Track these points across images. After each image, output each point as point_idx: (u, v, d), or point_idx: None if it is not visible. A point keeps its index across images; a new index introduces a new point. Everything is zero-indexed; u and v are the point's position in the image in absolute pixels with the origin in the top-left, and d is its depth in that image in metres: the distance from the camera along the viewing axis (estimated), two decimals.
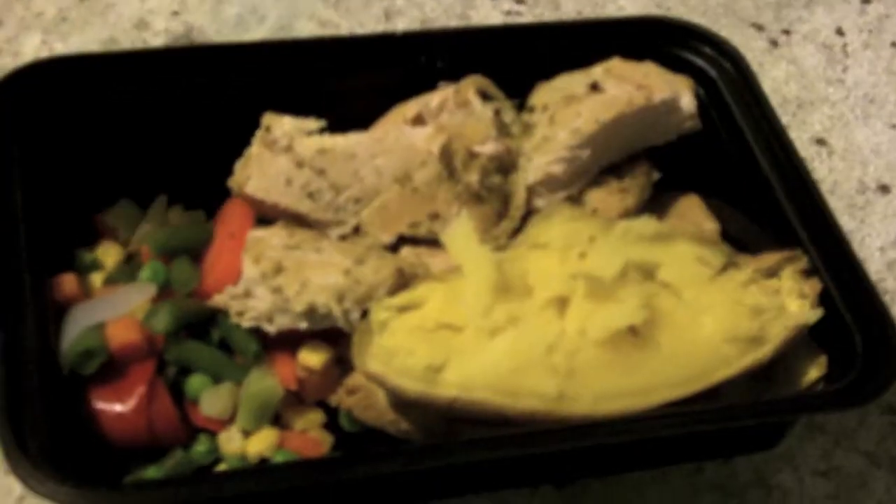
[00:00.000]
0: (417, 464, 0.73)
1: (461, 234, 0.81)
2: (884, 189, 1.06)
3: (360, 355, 0.78)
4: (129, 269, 0.87)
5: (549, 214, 0.85)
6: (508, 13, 1.15)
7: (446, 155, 0.86)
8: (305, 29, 1.10)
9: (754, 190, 0.92)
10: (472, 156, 0.87)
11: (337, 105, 0.90)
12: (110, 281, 0.86)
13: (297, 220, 0.86)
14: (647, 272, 0.81)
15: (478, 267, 0.80)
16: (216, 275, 0.85)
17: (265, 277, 0.81)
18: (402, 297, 0.80)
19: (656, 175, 0.93)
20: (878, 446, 0.89)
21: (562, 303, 0.79)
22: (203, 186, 0.89)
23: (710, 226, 0.93)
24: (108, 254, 0.88)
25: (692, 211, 0.95)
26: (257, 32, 1.09)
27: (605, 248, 0.81)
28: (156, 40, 1.08)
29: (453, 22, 1.13)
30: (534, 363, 0.77)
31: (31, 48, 1.05)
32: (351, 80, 0.93)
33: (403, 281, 0.82)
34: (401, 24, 1.12)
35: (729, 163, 0.94)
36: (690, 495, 0.85)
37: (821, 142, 1.09)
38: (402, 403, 0.79)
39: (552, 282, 0.80)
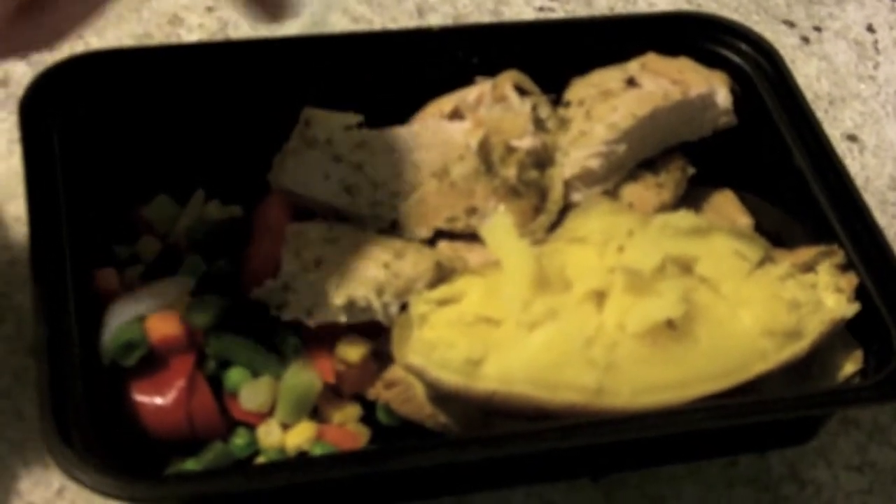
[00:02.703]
0: (456, 456, 0.74)
1: (500, 227, 0.82)
2: None
3: (400, 348, 0.78)
4: (167, 263, 0.87)
5: (587, 208, 0.86)
6: (541, 9, 1.15)
7: (484, 149, 0.86)
8: (339, 24, 1.11)
9: (789, 185, 0.92)
10: (510, 150, 0.87)
11: (374, 100, 0.91)
12: (149, 275, 0.86)
13: (336, 215, 0.87)
14: (685, 266, 0.82)
15: (516, 261, 0.80)
16: (255, 269, 0.85)
17: (305, 271, 0.81)
18: (442, 291, 0.81)
19: (691, 170, 0.93)
20: None
21: (600, 296, 0.79)
22: (241, 181, 0.90)
23: (745, 220, 0.93)
24: (147, 248, 0.88)
25: (727, 206, 0.95)
26: (291, 27, 1.09)
27: (643, 242, 0.82)
28: (190, 36, 1.08)
29: (486, 18, 1.13)
30: (573, 357, 0.77)
31: (67, 44, 1.05)
32: (388, 75, 0.93)
33: (442, 275, 0.82)
34: (433, 20, 1.12)
35: (764, 158, 0.94)
36: (724, 488, 0.86)
37: (852, 138, 1.10)
38: (441, 396, 0.79)
39: (591, 275, 0.80)
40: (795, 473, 0.87)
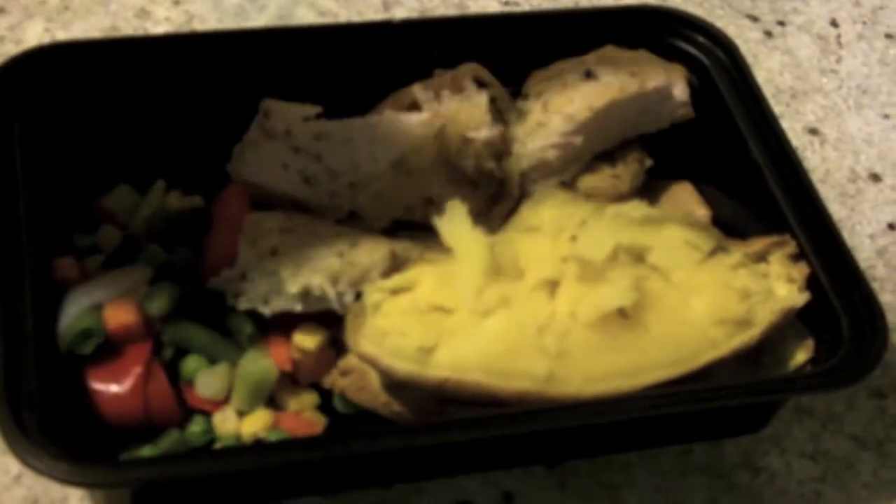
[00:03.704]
0: (409, 442, 0.75)
1: (454, 217, 0.82)
2: (875, 178, 1.08)
3: (353, 336, 0.79)
4: (127, 253, 0.88)
5: (540, 198, 0.87)
6: (506, 3, 1.16)
7: (441, 140, 0.87)
8: (305, 17, 1.11)
9: (746, 177, 0.93)
10: (467, 142, 0.88)
11: (335, 92, 0.91)
12: (109, 264, 0.87)
13: (294, 205, 0.87)
14: (637, 255, 0.83)
15: (470, 250, 0.81)
16: (213, 258, 0.86)
17: (261, 260, 0.82)
18: (395, 280, 0.81)
19: (649, 162, 0.94)
20: (864, 430, 0.91)
21: (553, 285, 0.80)
22: (201, 172, 0.91)
23: (703, 212, 0.94)
24: (107, 238, 0.89)
25: (685, 197, 0.96)
26: (258, 21, 1.10)
27: (595, 231, 0.83)
28: (157, 29, 1.09)
29: (451, 11, 1.14)
30: (525, 344, 0.78)
31: (34, 36, 1.06)
32: (349, 68, 0.94)
33: (397, 264, 0.83)
34: (399, 14, 1.13)
35: (721, 150, 0.95)
36: (678, 476, 0.87)
37: (813, 131, 1.10)
38: (395, 384, 0.80)
39: (543, 264, 0.81)
40: (749, 461, 0.88)
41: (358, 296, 0.81)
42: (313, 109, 0.89)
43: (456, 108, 0.89)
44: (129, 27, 1.09)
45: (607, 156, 0.93)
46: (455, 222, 0.82)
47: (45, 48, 0.89)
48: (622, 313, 0.79)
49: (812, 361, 0.84)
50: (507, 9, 1.15)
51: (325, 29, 0.95)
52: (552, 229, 0.83)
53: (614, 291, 0.79)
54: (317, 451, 0.74)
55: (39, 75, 0.87)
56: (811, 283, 0.84)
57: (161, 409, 0.81)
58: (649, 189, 0.95)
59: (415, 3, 1.14)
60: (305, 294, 0.81)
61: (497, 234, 0.85)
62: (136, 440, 0.81)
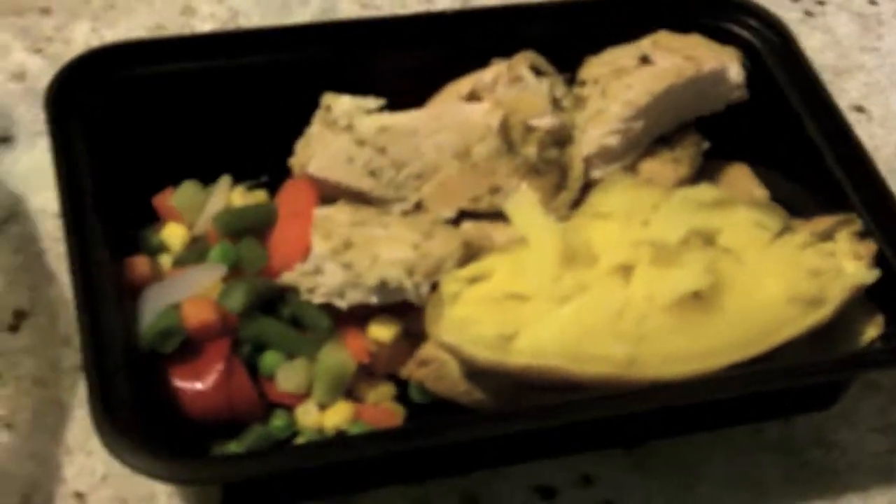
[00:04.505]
0: (498, 430, 0.76)
1: (525, 205, 0.83)
2: None
3: (434, 326, 0.80)
4: (195, 249, 0.88)
5: (608, 185, 0.87)
6: None
7: (504, 129, 0.88)
8: (349, 11, 1.12)
9: (802, 156, 0.94)
10: (530, 130, 0.89)
11: (391, 84, 0.92)
12: (178, 262, 0.88)
13: (359, 198, 0.88)
14: (708, 238, 0.84)
15: (543, 237, 0.82)
16: (282, 253, 0.86)
17: (335, 253, 0.82)
18: (471, 269, 0.82)
19: (706, 144, 0.95)
20: None
21: (627, 270, 0.81)
22: (263, 167, 0.92)
23: (760, 193, 0.95)
24: (174, 235, 0.89)
25: (741, 178, 0.97)
26: (302, 15, 1.11)
27: (667, 216, 0.83)
28: (203, 26, 1.09)
29: (492, 1, 1.14)
30: (602, 329, 0.79)
31: (82, 35, 1.07)
32: (404, 59, 0.95)
33: (470, 253, 0.84)
34: (442, 4, 1.14)
35: (776, 130, 0.96)
36: (752, 454, 0.87)
37: (859, 109, 1.11)
38: (475, 373, 0.81)
39: (617, 249, 0.82)
40: (820, 438, 0.89)
41: (433, 287, 0.82)
42: (375, 102, 0.89)
43: (516, 97, 0.90)
44: (174, 25, 1.09)
45: (665, 140, 0.94)
46: (526, 210, 0.83)
47: (101, 50, 0.89)
48: (697, 296, 0.80)
49: (882, 338, 0.85)
50: None
51: (381, 21, 0.96)
52: (623, 215, 0.84)
53: (689, 275, 0.80)
54: (409, 440, 0.75)
55: (98, 77, 0.88)
56: (878, 260, 0.85)
57: (243, 404, 0.82)
58: (706, 171, 0.95)
59: None
60: (382, 286, 0.81)
61: (566, 220, 0.86)
62: (219, 437, 0.82)
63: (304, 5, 1.12)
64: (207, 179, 0.92)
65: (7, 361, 0.86)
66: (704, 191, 0.86)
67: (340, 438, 0.80)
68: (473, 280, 0.82)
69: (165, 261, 0.89)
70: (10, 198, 0.95)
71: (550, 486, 0.85)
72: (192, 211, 0.91)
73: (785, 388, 0.82)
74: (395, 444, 0.75)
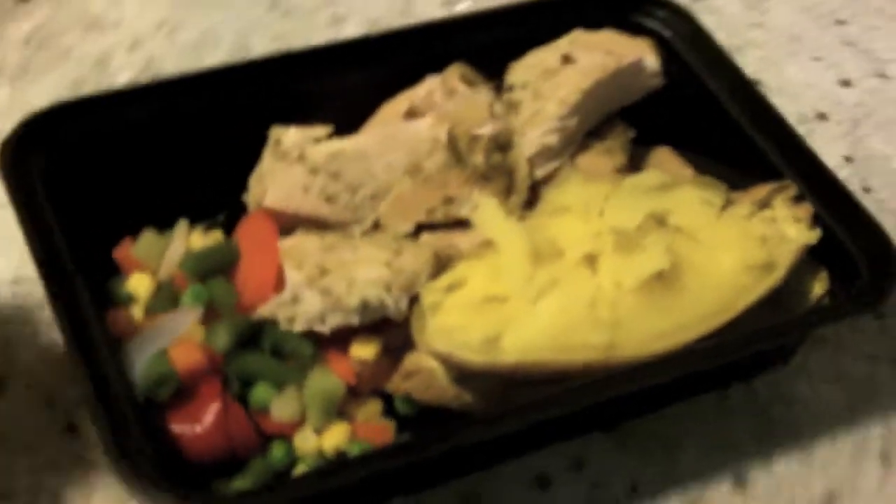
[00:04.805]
0: (500, 429, 0.79)
1: (488, 210, 0.87)
2: (822, 117, 1.15)
3: (421, 337, 0.83)
4: (164, 296, 0.89)
5: (561, 181, 0.91)
6: (445, 3, 1.20)
7: (452, 141, 0.91)
8: (261, 47, 1.14)
9: (722, 132, 0.99)
10: (474, 139, 0.92)
11: (325, 111, 0.95)
12: (150, 310, 0.89)
13: (317, 225, 0.90)
14: (660, 220, 0.88)
15: (511, 238, 0.85)
16: (251, 288, 0.88)
17: (311, 281, 0.84)
18: (447, 279, 0.85)
19: (632, 132, 1.00)
20: (875, 348, 0.98)
21: (592, 260, 0.85)
22: (217, 206, 0.94)
23: (686, 173, 0.99)
24: (140, 285, 0.90)
25: (667, 161, 1.01)
26: (216, 55, 1.13)
27: (620, 204, 0.88)
28: (121, 75, 1.10)
29: (398, 20, 1.18)
30: (581, 319, 0.82)
31: (3, 98, 1.07)
32: (337, 85, 0.97)
33: (441, 264, 0.87)
34: (349, 29, 1.17)
35: (694, 112, 1.01)
36: (723, 419, 0.92)
37: (756, 83, 1.17)
38: (463, 377, 0.84)
39: (580, 242, 0.86)
40: (781, 395, 0.94)
41: (411, 301, 0.85)
42: (323, 130, 0.92)
43: (457, 109, 0.93)
44: (92, 78, 1.10)
45: (595, 133, 0.98)
46: (490, 215, 0.87)
47: (43, 112, 0.90)
48: (660, 276, 0.84)
49: (828, 293, 0.90)
50: (448, 10, 1.19)
51: (312, 52, 0.98)
52: (580, 208, 0.88)
53: (651, 257, 0.84)
54: (423, 450, 0.77)
55: (45, 138, 0.89)
56: (815, 220, 0.90)
57: (242, 439, 0.83)
58: (633, 158, 1.00)
59: (360, 17, 1.18)
60: (364, 307, 0.84)
61: (525, 220, 0.89)
62: (216, 476, 0.83)
63: (216, 47, 1.14)
64: (162, 225, 0.93)
65: None
66: (650, 176, 0.90)
67: (360, 458, 0.82)
68: (450, 288, 0.85)
69: (136, 311, 0.90)
70: None
71: (546, 474, 0.88)
72: (154, 259, 0.92)
73: (754, 352, 0.87)
74: (410, 455, 0.78)
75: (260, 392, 0.85)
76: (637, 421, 0.91)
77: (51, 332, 0.91)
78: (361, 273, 0.85)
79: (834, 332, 0.98)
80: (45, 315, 0.91)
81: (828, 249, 0.90)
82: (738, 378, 0.94)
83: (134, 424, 0.75)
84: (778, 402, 0.94)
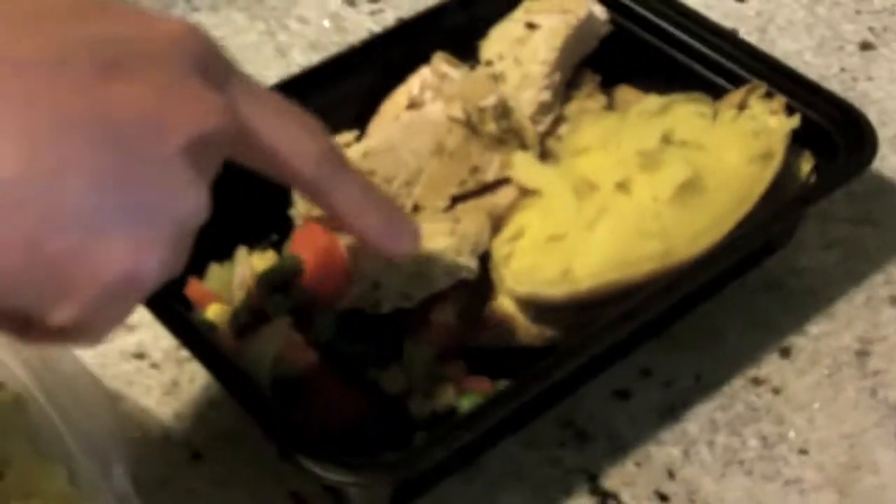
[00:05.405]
0: (593, 350, 0.89)
1: (525, 164, 0.97)
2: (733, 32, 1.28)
3: (504, 286, 0.92)
4: (244, 315, 0.96)
5: (577, 125, 1.02)
6: (372, 13, 1.30)
7: (467, 116, 1.00)
8: None
9: (675, 64, 1.11)
10: (482, 111, 1.01)
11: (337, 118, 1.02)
12: (240, 332, 0.95)
13: None
14: (667, 138, 0.99)
15: (553, 181, 0.96)
16: (327, 289, 0.95)
17: (387, 265, 0.93)
18: (508, 231, 0.95)
19: (598, 77, 1.11)
20: (855, 212, 1.11)
21: (624, 185, 0.95)
22: (267, 228, 1.01)
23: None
24: (219, 314, 0.97)
25: (632, 97, 1.12)
26: None
27: (633, 132, 0.99)
28: None
29: (336, 38, 1.26)
30: (634, 235, 0.93)
31: None
32: (340, 93, 1.06)
33: (496, 221, 0.96)
34: (297, 56, 1.25)
35: (645, 48, 1.13)
36: (749, 301, 1.03)
37: None
38: (541, 314, 0.93)
39: (609, 172, 0.96)
40: (790, 268, 1.06)
41: (482, 259, 0.94)
42: (351, 135, 1.00)
43: (460, 88, 1.03)
44: None
45: (571, 84, 1.09)
46: (528, 167, 0.97)
47: None
48: (686, 185, 0.95)
49: (814, 169, 1.02)
50: (374, 17, 1.29)
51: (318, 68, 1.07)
52: (598, 144, 0.98)
53: (675, 169, 0.95)
54: (531, 389, 0.86)
55: None
56: (789, 109, 1.03)
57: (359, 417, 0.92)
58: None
59: (304, 43, 1.26)
60: (444, 274, 0.92)
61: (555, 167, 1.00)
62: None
63: None
64: (220, 258, 1.00)
65: None
66: (651, 101, 1.02)
67: (493, 401, 0.88)
68: (514, 238, 0.94)
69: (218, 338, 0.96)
70: None
71: (622, 387, 0.98)
72: (225, 288, 0.98)
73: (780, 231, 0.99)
74: (527, 391, 0.86)
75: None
76: (678, 325, 1.01)
77: None
78: (431, 246, 0.93)
79: (816, 207, 1.11)
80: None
81: (805, 134, 1.02)
82: (754, 263, 1.05)
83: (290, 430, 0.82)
84: (791, 275, 1.06)
